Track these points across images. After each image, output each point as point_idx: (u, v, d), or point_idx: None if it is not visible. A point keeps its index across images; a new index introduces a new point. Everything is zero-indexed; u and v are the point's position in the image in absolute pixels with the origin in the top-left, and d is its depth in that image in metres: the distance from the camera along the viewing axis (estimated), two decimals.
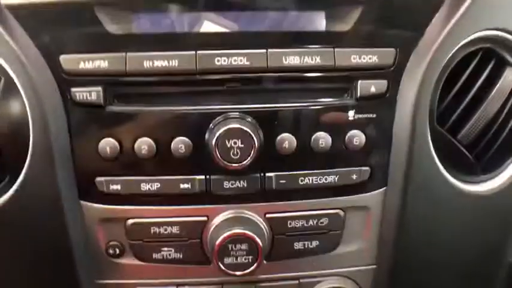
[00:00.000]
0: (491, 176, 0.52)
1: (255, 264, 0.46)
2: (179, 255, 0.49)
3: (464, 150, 0.49)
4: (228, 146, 0.44)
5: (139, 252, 0.49)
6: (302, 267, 0.51)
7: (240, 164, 0.44)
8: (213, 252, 0.46)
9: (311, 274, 0.52)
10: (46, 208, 0.47)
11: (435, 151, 0.48)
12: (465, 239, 0.53)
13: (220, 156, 0.44)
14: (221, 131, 0.44)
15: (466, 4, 0.47)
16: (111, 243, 0.49)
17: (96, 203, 0.48)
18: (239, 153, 0.44)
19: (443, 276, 0.54)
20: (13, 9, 0.45)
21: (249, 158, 0.44)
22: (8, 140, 0.46)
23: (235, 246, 0.46)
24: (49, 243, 0.49)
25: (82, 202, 0.48)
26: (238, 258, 0.46)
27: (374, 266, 0.52)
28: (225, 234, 0.46)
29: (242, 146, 0.44)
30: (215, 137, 0.44)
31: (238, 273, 0.47)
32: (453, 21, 0.47)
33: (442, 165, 0.49)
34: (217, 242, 0.46)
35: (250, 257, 0.46)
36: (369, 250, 0.52)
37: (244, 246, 0.46)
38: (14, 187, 0.46)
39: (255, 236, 0.46)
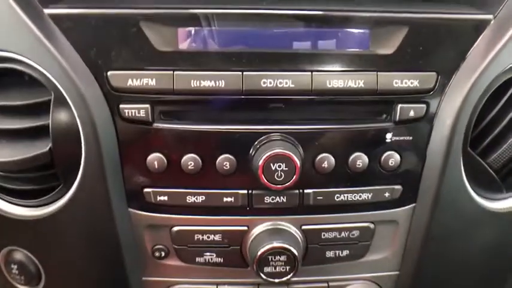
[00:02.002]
0: None
1: (292, 273, 0.51)
2: (220, 260, 0.53)
3: (493, 174, 0.52)
4: (273, 169, 0.46)
5: (183, 256, 0.53)
6: (331, 272, 0.55)
7: (283, 185, 0.47)
8: (254, 262, 0.50)
9: (339, 278, 0.56)
10: (97, 214, 0.51)
11: (464, 172, 0.51)
12: (485, 252, 0.56)
13: (265, 178, 0.47)
14: (266, 155, 0.46)
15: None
16: (157, 246, 0.53)
17: (143, 211, 0.51)
18: (283, 176, 0.47)
19: (463, 284, 0.58)
20: (56, 18, 0.46)
21: (291, 180, 0.47)
22: (62, 151, 0.48)
23: (274, 258, 0.50)
24: (100, 245, 0.53)
25: (130, 210, 0.51)
26: (277, 268, 0.50)
27: (397, 272, 0.56)
28: (266, 247, 0.49)
29: (286, 169, 0.46)
30: (261, 160, 0.46)
31: (276, 280, 0.51)
32: (499, 46, 0.47)
33: (470, 184, 0.52)
34: (258, 254, 0.49)
35: (287, 267, 0.50)
36: (394, 258, 0.56)
37: (282, 258, 0.50)
38: (68, 195, 0.49)
39: (293, 249, 0.50)
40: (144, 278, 0.55)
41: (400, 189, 0.51)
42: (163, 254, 0.54)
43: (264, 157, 0.46)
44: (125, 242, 0.52)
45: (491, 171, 0.51)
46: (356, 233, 0.53)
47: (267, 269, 0.50)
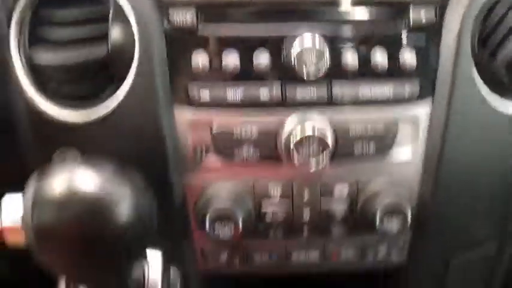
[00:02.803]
0: None
1: (324, 160, 0.55)
2: (257, 154, 0.58)
3: (503, 71, 0.57)
4: (303, 59, 0.53)
5: (222, 151, 0.58)
6: (360, 171, 0.59)
7: (316, 74, 0.53)
8: (289, 150, 0.55)
9: (367, 177, 0.60)
10: (147, 114, 0.57)
11: (478, 74, 0.56)
12: (503, 160, 0.61)
13: (297, 69, 0.53)
14: (299, 50, 0.53)
15: None
16: (198, 143, 0.59)
17: (187, 108, 0.57)
18: (313, 68, 0.53)
19: (481, 186, 0.62)
20: None
21: (320, 71, 0.53)
22: (118, 53, 0.55)
23: (307, 142, 0.55)
24: (149, 145, 0.58)
25: (175, 108, 0.57)
26: (310, 154, 0.55)
27: (420, 173, 0.60)
28: (299, 133, 0.55)
29: (315, 61, 0.53)
30: (296, 53, 0.53)
31: (311, 168, 0.55)
32: None
33: (483, 88, 0.57)
34: (292, 139, 0.55)
35: (319, 154, 0.55)
36: (417, 159, 0.59)
37: (315, 145, 0.55)
38: (123, 94, 0.56)
39: (324, 135, 0.55)
40: (184, 181, 0.60)
41: (418, 84, 0.57)
42: (204, 150, 0.59)
43: (297, 51, 0.53)
44: (169, 141, 0.58)
45: (501, 69, 0.57)
46: (381, 127, 0.58)
47: (301, 155, 0.55)
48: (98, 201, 0.40)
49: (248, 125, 0.57)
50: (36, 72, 0.58)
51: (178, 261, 0.62)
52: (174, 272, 0.61)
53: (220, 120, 0.57)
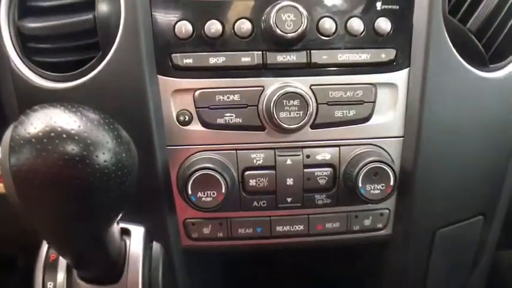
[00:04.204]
0: (499, 66, 0.62)
1: (305, 119, 0.56)
2: (239, 120, 0.58)
3: (472, 37, 0.60)
4: (283, 19, 0.55)
5: (205, 119, 0.58)
6: (341, 136, 0.60)
7: (294, 32, 0.55)
8: (270, 108, 0.55)
9: (349, 142, 0.60)
10: (130, 80, 0.57)
11: (450, 40, 0.59)
12: (482, 125, 0.62)
13: (278, 28, 0.55)
14: (277, 7, 0.55)
15: None
16: (181, 111, 0.58)
17: (171, 77, 0.58)
18: (292, 25, 0.55)
19: (463, 150, 0.62)
20: None
21: (299, 29, 0.55)
22: (104, 20, 0.56)
23: (288, 102, 0.55)
24: (131, 112, 0.58)
25: (159, 76, 0.58)
26: (291, 113, 0.56)
27: (402, 138, 0.61)
28: (280, 92, 0.55)
29: (294, 19, 0.55)
30: (274, 14, 0.55)
31: (292, 126, 0.56)
32: None
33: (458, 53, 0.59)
34: (273, 98, 0.55)
35: (301, 112, 0.56)
36: (397, 123, 0.60)
37: (296, 102, 0.55)
38: (106, 59, 0.56)
39: (304, 93, 0.56)
40: (168, 147, 0.59)
41: (393, 51, 0.59)
42: (187, 118, 0.58)
43: (275, 10, 0.55)
44: (153, 109, 0.58)
45: (471, 35, 0.59)
46: (360, 92, 0.59)
47: (282, 114, 0.55)
48: (80, 141, 0.39)
49: (230, 91, 0.58)
50: (24, 42, 0.59)
51: (161, 237, 0.60)
52: (156, 247, 0.59)
53: (202, 87, 0.58)
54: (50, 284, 0.57)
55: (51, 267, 0.57)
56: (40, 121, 0.38)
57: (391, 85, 0.60)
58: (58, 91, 0.58)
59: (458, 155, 0.62)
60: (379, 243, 0.64)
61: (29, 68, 0.59)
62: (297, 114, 0.56)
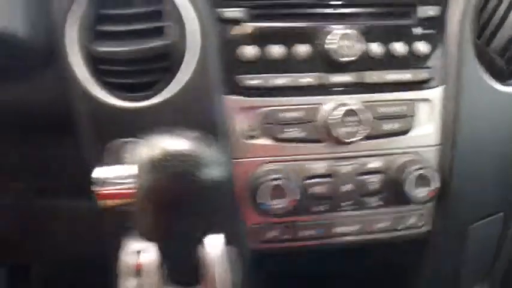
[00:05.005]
0: None
1: (360, 132, 0.63)
2: (301, 134, 0.65)
3: (496, 56, 0.69)
4: (340, 45, 0.63)
5: (271, 133, 0.65)
6: (387, 146, 0.68)
7: (350, 57, 0.63)
8: (330, 124, 0.63)
9: (394, 151, 0.68)
10: (202, 101, 0.63)
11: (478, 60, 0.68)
12: (501, 125, 0.72)
13: (336, 53, 0.63)
14: (335, 34, 0.63)
15: None
16: (248, 127, 0.65)
17: (237, 96, 0.64)
18: (347, 50, 0.63)
19: (491, 158, 0.72)
20: None
21: (354, 53, 0.63)
22: (176, 47, 0.62)
23: (345, 118, 0.63)
24: (202, 129, 0.63)
25: (226, 96, 0.64)
26: (348, 128, 0.63)
27: (439, 146, 0.70)
28: (339, 109, 0.63)
29: (350, 44, 0.63)
30: (332, 40, 0.62)
31: (349, 140, 0.63)
32: None
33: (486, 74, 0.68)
34: (333, 115, 0.63)
35: (356, 127, 0.63)
36: (434, 134, 0.69)
37: (352, 118, 0.63)
38: (180, 81, 0.62)
39: (359, 110, 0.63)
40: (234, 160, 0.65)
41: (431, 71, 0.68)
42: (253, 133, 0.65)
43: (333, 36, 0.62)
44: (219, 127, 0.64)
45: (495, 56, 0.69)
46: (403, 107, 0.67)
47: (341, 129, 0.63)
48: (193, 160, 0.45)
49: (293, 109, 0.65)
50: (95, 66, 0.63)
51: (231, 242, 0.66)
52: (231, 250, 0.65)
53: (267, 106, 0.65)
54: None
55: (139, 274, 0.62)
56: (160, 147, 0.45)
57: (428, 101, 0.69)
58: (132, 110, 0.63)
59: (484, 160, 0.72)
60: (419, 239, 0.72)
61: (102, 89, 0.64)
62: (353, 128, 0.63)
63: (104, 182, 0.48)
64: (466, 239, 0.73)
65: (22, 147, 0.78)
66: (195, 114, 0.64)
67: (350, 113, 0.63)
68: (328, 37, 0.63)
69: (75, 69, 0.63)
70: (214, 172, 0.46)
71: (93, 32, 0.62)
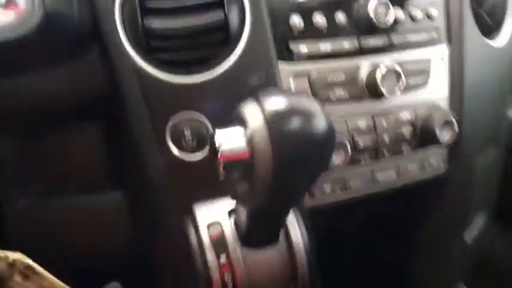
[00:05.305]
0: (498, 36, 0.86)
1: (398, 87, 0.72)
2: (346, 94, 0.72)
3: (486, 16, 0.82)
4: (377, 11, 0.70)
5: (319, 96, 0.71)
6: (413, 99, 0.77)
7: (386, 22, 0.71)
8: (373, 85, 0.71)
9: (417, 104, 0.78)
10: (261, 70, 0.67)
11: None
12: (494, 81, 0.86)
13: (373, 18, 0.70)
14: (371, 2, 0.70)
15: None
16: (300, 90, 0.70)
17: (289, 61, 0.69)
18: (381, 16, 0.71)
19: (488, 98, 0.86)
20: None
21: (390, 19, 0.71)
22: (233, 19, 0.64)
23: (387, 76, 0.71)
24: None
25: (279, 62, 0.69)
26: (390, 85, 0.71)
27: (450, 97, 0.81)
28: (380, 68, 0.71)
29: (384, 11, 0.71)
30: (369, 7, 0.70)
31: (390, 95, 0.72)
32: None
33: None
34: (376, 74, 0.71)
35: (395, 83, 0.71)
36: (446, 87, 0.80)
37: (391, 76, 0.71)
38: (238, 53, 0.65)
39: (397, 69, 0.72)
40: None
41: (441, 31, 0.79)
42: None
43: (369, 3, 0.70)
44: None
45: (486, 16, 0.82)
46: (422, 63, 0.77)
47: (383, 86, 0.71)
48: (312, 113, 0.47)
49: (337, 72, 0.71)
50: (147, 43, 0.63)
51: None
52: (297, 209, 0.69)
53: (316, 70, 0.71)
54: (223, 256, 0.63)
55: (218, 242, 0.64)
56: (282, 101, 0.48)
57: (439, 57, 0.80)
58: (189, 86, 0.64)
59: (484, 105, 0.85)
60: (438, 179, 0.83)
61: (154, 66, 0.64)
62: (393, 84, 0.72)
63: (224, 144, 0.49)
64: (472, 174, 0.87)
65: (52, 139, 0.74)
66: (251, 84, 0.67)
67: (390, 71, 0.71)
68: (368, 4, 0.70)
69: (126, 46, 0.62)
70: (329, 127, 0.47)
71: (143, 9, 0.62)
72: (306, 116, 0.46)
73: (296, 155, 0.46)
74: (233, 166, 0.48)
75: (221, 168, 0.49)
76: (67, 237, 0.78)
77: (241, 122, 0.49)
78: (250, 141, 0.47)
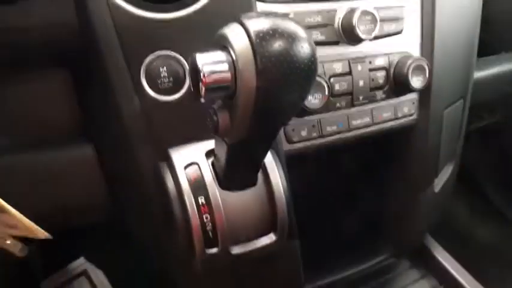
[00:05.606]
0: None
1: (375, 30, 0.72)
2: (322, 37, 0.72)
3: None
4: None
5: None
6: (386, 45, 0.78)
7: None
8: (351, 24, 0.71)
9: (391, 51, 0.79)
10: (239, 8, 0.65)
11: None
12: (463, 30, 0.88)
13: None
14: None
15: None
16: None
17: (267, 3, 0.69)
18: None
19: (458, 50, 0.88)
20: None
21: None
22: None
23: (364, 18, 0.71)
24: None
25: (257, 3, 0.68)
26: (366, 27, 0.72)
27: (422, 45, 0.83)
28: (357, 11, 0.71)
29: None
30: None
31: (367, 36, 0.72)
32: None
33: None
34: (353, 16, 0.71)
35: (372, 25, 0.72)
36: (418, 34, 0.82)
37: (368, 18, 0.72)
38: None
39: (374, 12, 0.72)
40: None
41: None
42: None
43: None
44: None
45: None
46: (397, 11, 0.78)
47: (359, 28, 0.71)
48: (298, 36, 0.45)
49: (314, 13, 0.71)
50: None
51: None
52: (274, 152, 0.69)
53: (293, 11, 0.70)
54: (201, 198, 0.62)
55: (196, 184, 0.62)
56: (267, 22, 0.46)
57: (411, 4, 0.81)
58: (164, 21, 0.62)
59: (454, 54, 0.87)
60: (410, 126, 0.85)
61: (129, 2, 0.61)
62: (369, 27, 0.72)
63: (205, 66, 0.47)
64: (441, 123, 0.89)
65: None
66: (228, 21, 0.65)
67: (365, 13, 0.72)
68: None
69: None
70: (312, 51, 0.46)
71: None
72: (292, 37, 0.45)
73: (280, 77, 0.45)
74: (215, 90, 0.47)
75: (202, 93, 0.47)
76: (37, 197, 0.73)
77: (222, 45, 0.48)
78: (233, 64, 0.46)
